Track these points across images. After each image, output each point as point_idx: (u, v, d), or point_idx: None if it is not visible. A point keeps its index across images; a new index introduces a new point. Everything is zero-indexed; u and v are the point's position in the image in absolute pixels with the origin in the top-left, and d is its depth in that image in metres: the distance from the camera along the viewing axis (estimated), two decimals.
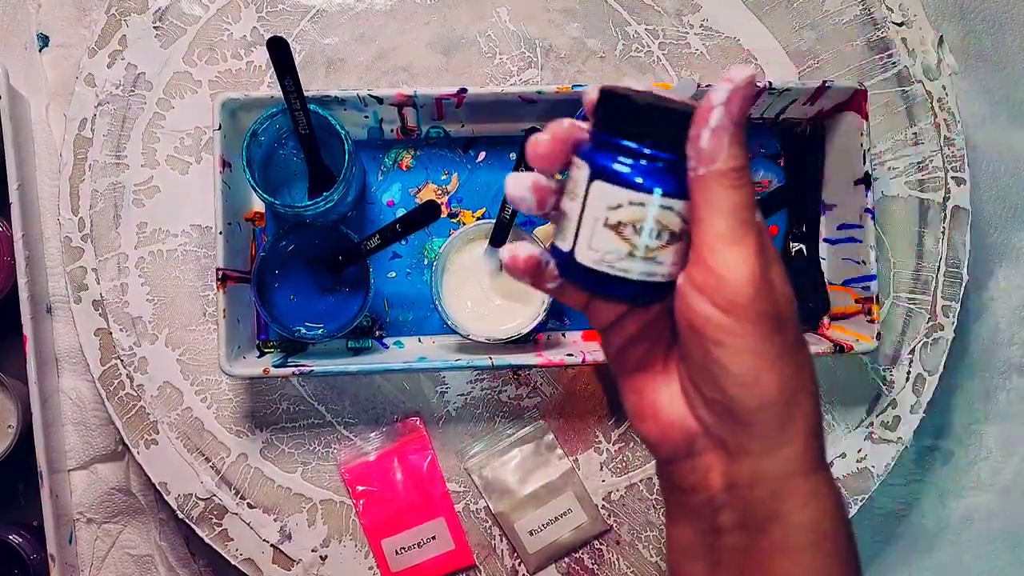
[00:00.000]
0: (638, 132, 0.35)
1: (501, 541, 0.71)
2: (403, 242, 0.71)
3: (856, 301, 0.67)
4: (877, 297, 0.66)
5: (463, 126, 0.70)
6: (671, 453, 0.38)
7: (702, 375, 0.36)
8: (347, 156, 0.61)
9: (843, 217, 0.69)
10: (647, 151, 0.35)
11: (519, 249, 0.39)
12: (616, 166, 0.35)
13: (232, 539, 0.69)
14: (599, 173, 0.36)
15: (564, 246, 0.37)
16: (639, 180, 0.35)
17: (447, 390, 0.71)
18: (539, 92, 0.64)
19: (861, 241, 0.67)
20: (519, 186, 0.38)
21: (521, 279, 0.39)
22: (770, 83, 0.66)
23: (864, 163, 0.65)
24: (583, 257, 0.36)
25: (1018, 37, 0.84)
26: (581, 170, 0.36)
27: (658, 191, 0.35)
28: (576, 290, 0.40)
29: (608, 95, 0.36)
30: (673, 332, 0.39)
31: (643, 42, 0.73)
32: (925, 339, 0.72)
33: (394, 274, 0.71)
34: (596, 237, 0.36)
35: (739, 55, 0.73)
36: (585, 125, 0.38)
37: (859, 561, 0.37)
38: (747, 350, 0.34)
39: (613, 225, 0.36)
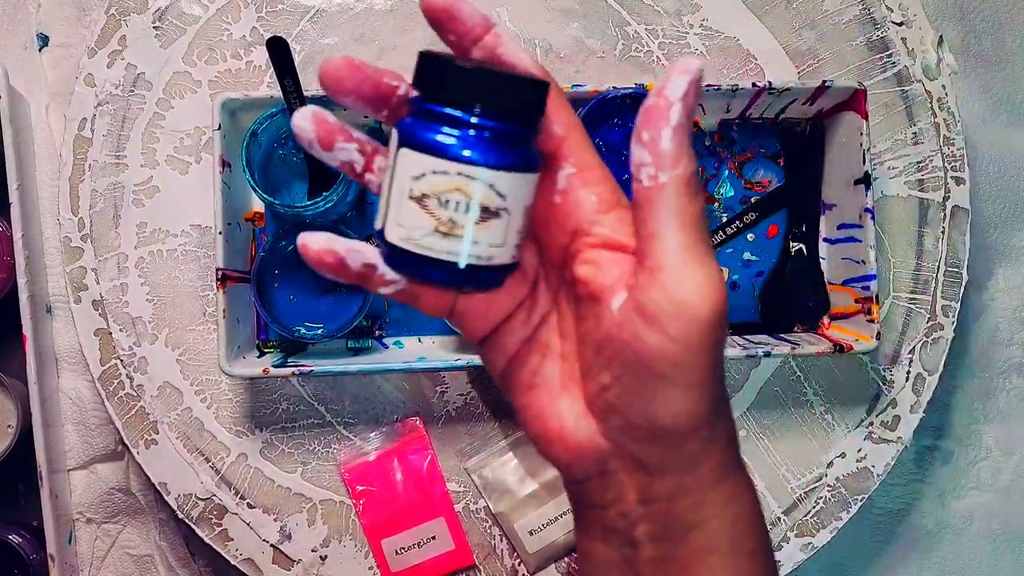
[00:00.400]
0: (448, 96, 0.32)
1: (501, 541, 0.71)
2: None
3: (856, 301, 0.67)
4: (877, 297, 0.66)
5: None
6: (582, 474, 0.35)
7: (629, 405, 0.32)
8: None
9: (843, 217, 0.69)
10: (456, 115, 0.31)
11: (310, 239, 0.33)
12: (422, 131, 0.32)
13: (232, 539, 0.69)
14: (405, 139, 0.32)
15: (378, 224, 0.33)
16: (444, 146, 0.31)
17: (447, 390, 0.71)
18: None
19: (861, 241, 0.66)
20: (302, 116, 0.33)
21: (330, 276, 0.34)
22: (770, 83, 0.66)
23: (864, 163, 0.65)
24: (392, 235, 0.33)
25: (1018, 37, 0.84)
26: (393, 139, 0.33)
27: (467, 160, 0.31)
28: (432, 294, 0.35)
29: (425, 57, 0.32)
30: (566, 341, 0.35)
31: (643, 42, 0.73)
32: (925, 339, 0.72)
33: None
34: (402, 211, 0.32)
35: (739, 55, 0.73)
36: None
37: (772, 554, 0.37)
38: (692, 384, 0.31)
39: (417, 197, 0.32)
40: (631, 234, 0.34)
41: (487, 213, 0.32)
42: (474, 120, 0.31)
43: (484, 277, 0.33)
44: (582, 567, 0.38)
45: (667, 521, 0.34)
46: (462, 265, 0.32)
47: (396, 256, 0.33)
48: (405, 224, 0.32)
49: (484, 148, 0.31)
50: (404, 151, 0.32)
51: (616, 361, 0.32)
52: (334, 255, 0.33)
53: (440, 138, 0.32)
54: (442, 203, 0.32)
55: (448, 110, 0.32)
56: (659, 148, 0.31)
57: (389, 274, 0.34)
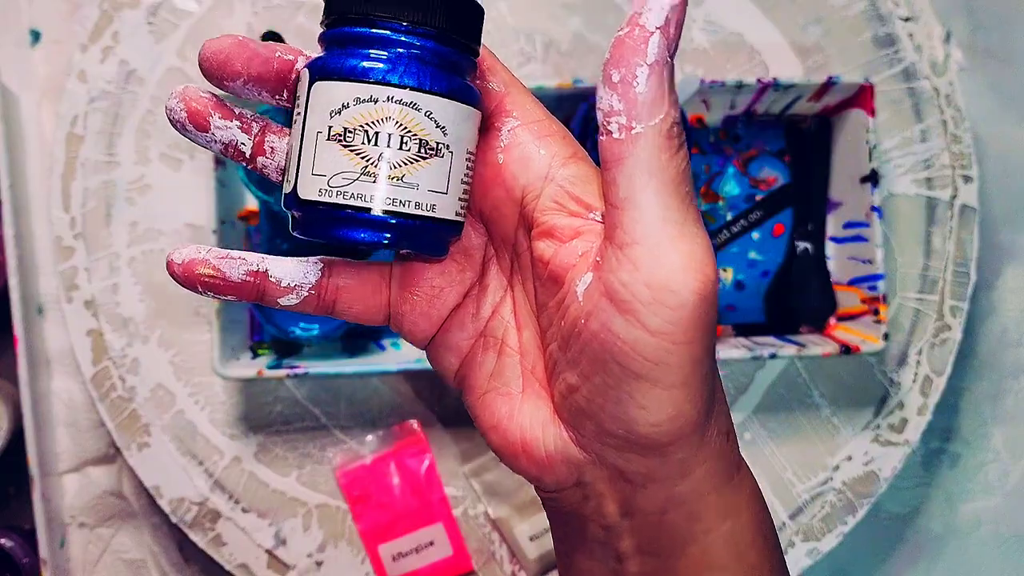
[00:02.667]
0: (371, 10, 0.26)
1: (500, 547, 0.69)
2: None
3: (863, 301, 0.66)
4: (885, 297, 0.64)
5: None
6: (554, 486, 0.30)
7: (601, 408, 0.27)
8: None
9: (849, 215, 0.68)
10: (383, 33, 0.26)
11: (173, 254, 0.28)
12: (338, 57, 0.27)
13: (226, 544, 0.68)
14: (319, 71, 0.27)
15: (287, 187, 0.28)
16: (368, 69, 0.26)
17: (445, 392, 0.70)
18: (539, 87, 0.63)
19: (867, 240, 0.65)
20: (172, 95, 0.28)
21: (210, 296, 0.29)
22: (775, 79, 0.65)
23: (870, 160, 0.64)
24: (307, 189, 0.27)
25: None
26: (303, 81, 0.27)
27: (399, 83, 0.26)
28: (359, 291, 0.30)
29: None
30: (524, 333, 0.30)
31: None
32: (932, 340, 0.71)
33: None
34: (319, 156, 0.26)
35: (744, 50, 0.72)
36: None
37: (784, 564, 0.32)
38: (676, 384, 0.26)
39: (339, 134, 0.26)
40: (595, 193, 0.28)
41: (426, 149, 0.26)
42: (403, 38, 0.26)
43: (426, 235, 0.27)
44: None
45: (657, 535, 0.29)
46: (399, 210, 0.26)
47: (312, 217, 0.27)
48: (325, 170, 0.26)
49: (418, 69, 0.26)
50: (319, 84, 0.26)
51: (584, 357, 0.27)
52: (205, 267, 0.28)
53: (363, 63, 0.26)
54: (370, 138, 0.26)
55: (372, 30, 0.27)
56: (633, 91, 0.25)
57: (287, 278, 0.29)
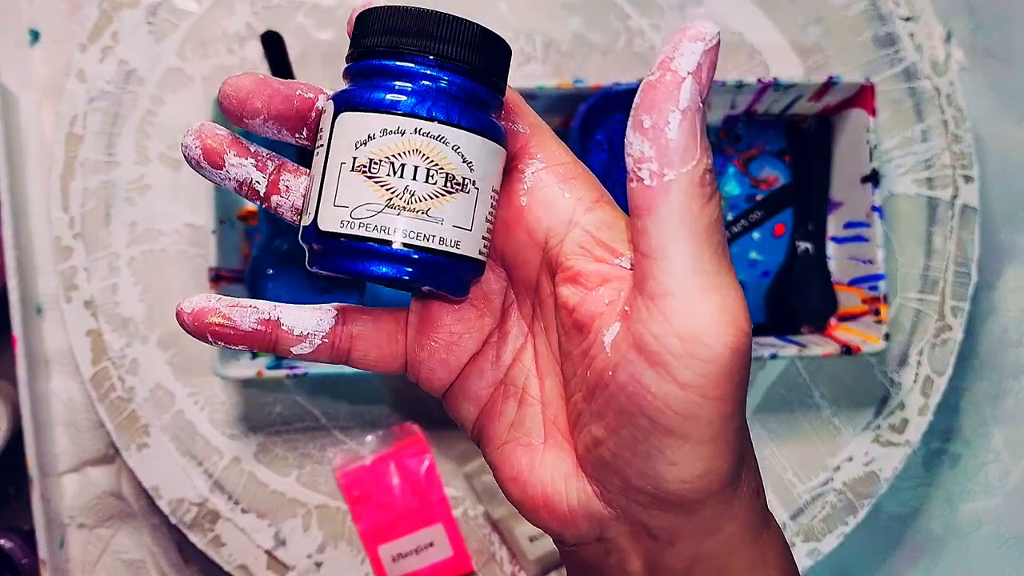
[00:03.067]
0: (399, 44, 0.26)
1: (500, 548, 0.69)
2: None
3: (863, 301, 0.66)
4: (885, 297, 0.64)
5: None
6: (575, 539, 0.29)
7: (628, 463, 0.26)
8: None
9: (850, 215, 0.68)
10: (410, 67, 0.26)
11: (184, 303, 0.28)
12: (365, 89, 0.26)
13: (225, 544, 0.68)
14: (345, 102, 0.26)
15: (306, 219, 0.27)
16: (396, 101, 0.26)
17: None
18: (539, 87, 0.63)
19: (868, 240, 0.65)
20: (188, 132, 0.28)
21: (221, 345, 0.28)
22: (775, 79, 0.64)
23: (871, 160, 0.64)
24: (327, 222, 0.26)
25: None
26: (327, 114, 0.27)
27: (423, 113, 0.26)
28: (374, 339, 0.29)
29: (364, 14, 0.27)
30: (547, 382, 0.29)
31: (646, 36, 0.72)
32: (933, 340, 0.71)
33: None
34: (343, 187, 0.26)
35: (744, 50, 0.72)
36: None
37: None
38: (706, 439, 0.25)
39: (363, 165, 0.26)
40: (622, 239, 0.28)
41: (452, 184, 0.26)
42: (433, 72, 0.26)
43: (448, 273, 0.27)
44: None
45: None
46: (421, 244, 0.26)
47: (331, 249, 0.26)
48: (347, 202, 0.26)
49: (447, 103, 0.26)
50: (345, 115, 0.26)
51: (611, 409, 0.26)
52: (215, 316, 0.28)
53: (391, 96, 0.26)
54: (395, 170, 0.25)
55: (401, 63, 0.26)
56: (665, 138, 0.24)
57: (299, 327, 0.28)
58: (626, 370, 0.25)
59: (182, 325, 0.28)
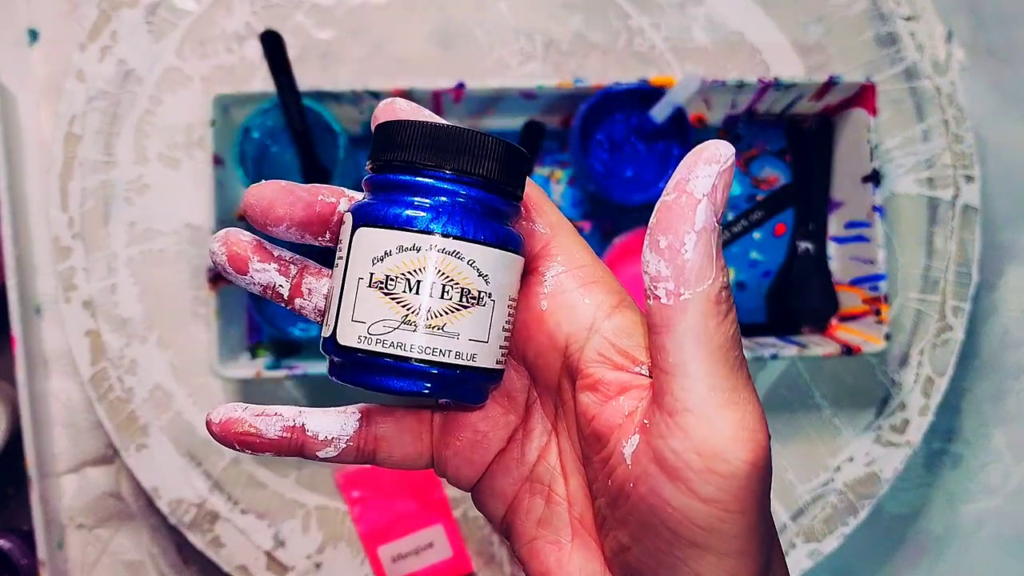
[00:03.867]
0: (414, 159, 0.26)
1: (500, 548, 0.69)
2: None
3: (864, 301, 0.66)
4: (886, 297, 0.64)
5: (461, 121, 0.68)
6: None
7: (655, 572, 0.26)
8: (341, 152, 0.60)
9: (851, 215, 0.67)
10: (426, 182, 0.26)
11: (212, 413, 0.29)
12: (383, 204, 0.27)
13: (224, 545, 0.68)
14: (362, 218, 0.27)
15: (326, 331, 0.28)
16: (411, 217, 0.26)
17: None
18: (539, 87, 0.63)
19: (869, 240, 0.65)
20: (214, 239, 0.29)
21: (248, 453, 0.29)
22: (776, 78, 0.64)
23: (872, 160, 0.64)
24: (346, 337, 0.26)
25: None
26: (346, 226, 0.28)
27: (438, 230, 0.26)
28: (400, 439, 0.29)
29: (382, 127, 0.28)
30: (572, 481, 0.29)
31: (646, 35, 0.72)
32: (934, 340, 0.71)
33: None
34: (360, 303, 0.26)
35: (745, 49, 0.72)
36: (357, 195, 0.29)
37: None
38: (730, 552, 0.25)
39: (380, 281, 0.26)
40: (641, 346, 0.28)
41: (468, 299, 0.26)
42: (447, 187, 0.26)
43: (466, 385, 0.27)
44: None
45: None
46: (438, 360, 0.26)
47: (350, 363, 0.27)
48: (364, 318, 0.26)
49: (462, 217, 0.26)
50: (362, 231, 0.26)
51: (633, 519, 0.26)
52: (242, 425, 0.28)
53: (407, 211, 0.26)
54: (411, 287, 0.26)
55: (416, 178, 0.27)
56: (681, 258, 0.25)
57: (324, 431, 0.29)
58: (647, 483, 0.26)
59: (211, 433, 0.29)
